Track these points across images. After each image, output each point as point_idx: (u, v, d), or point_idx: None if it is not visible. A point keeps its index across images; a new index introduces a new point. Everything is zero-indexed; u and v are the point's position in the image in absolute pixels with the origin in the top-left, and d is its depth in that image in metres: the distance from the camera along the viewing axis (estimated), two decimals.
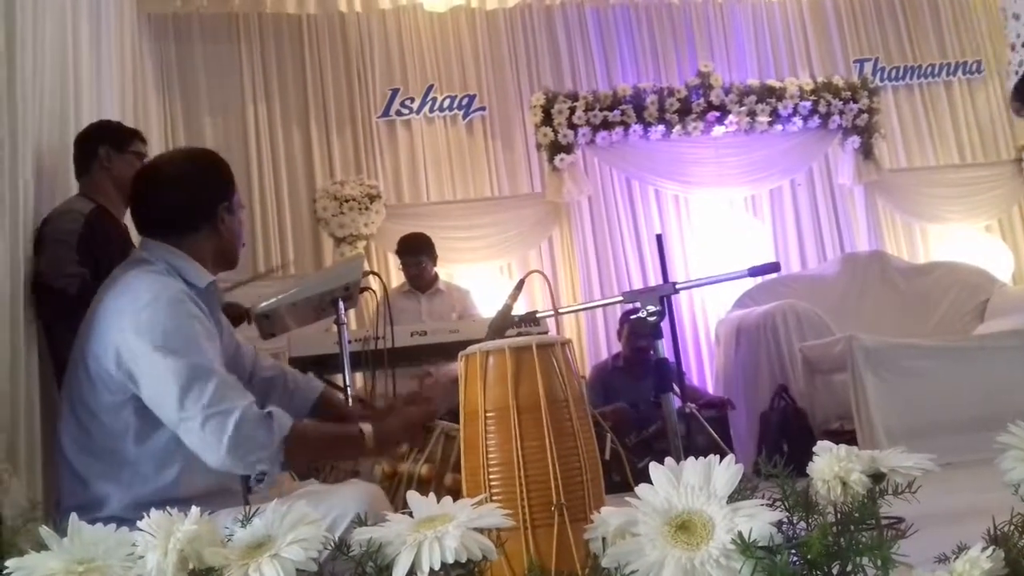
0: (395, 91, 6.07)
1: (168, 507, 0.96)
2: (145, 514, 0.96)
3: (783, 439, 4.50)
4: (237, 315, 2.92)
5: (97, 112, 3.13)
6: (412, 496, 0.98)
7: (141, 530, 0.92)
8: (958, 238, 6.58)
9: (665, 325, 2.58)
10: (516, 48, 6.29)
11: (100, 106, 3.24)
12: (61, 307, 2.32)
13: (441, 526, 0.88)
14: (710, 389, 5.71)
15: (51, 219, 2.52)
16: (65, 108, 2.80)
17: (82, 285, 2.38)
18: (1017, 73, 2.77)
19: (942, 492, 2.72)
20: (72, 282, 2.38)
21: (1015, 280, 6.41)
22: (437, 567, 0.85)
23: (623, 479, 2.41)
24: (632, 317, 5.14)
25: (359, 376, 3.73)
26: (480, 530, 0.92)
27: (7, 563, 0.85)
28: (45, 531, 0.88)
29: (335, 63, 6.03)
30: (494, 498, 1.51)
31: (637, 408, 4.79)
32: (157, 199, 1.89)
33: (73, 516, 0.90)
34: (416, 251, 4.85)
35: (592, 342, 5.94)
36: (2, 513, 1.70)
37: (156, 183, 1.92)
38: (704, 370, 6.05)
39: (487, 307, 4.98)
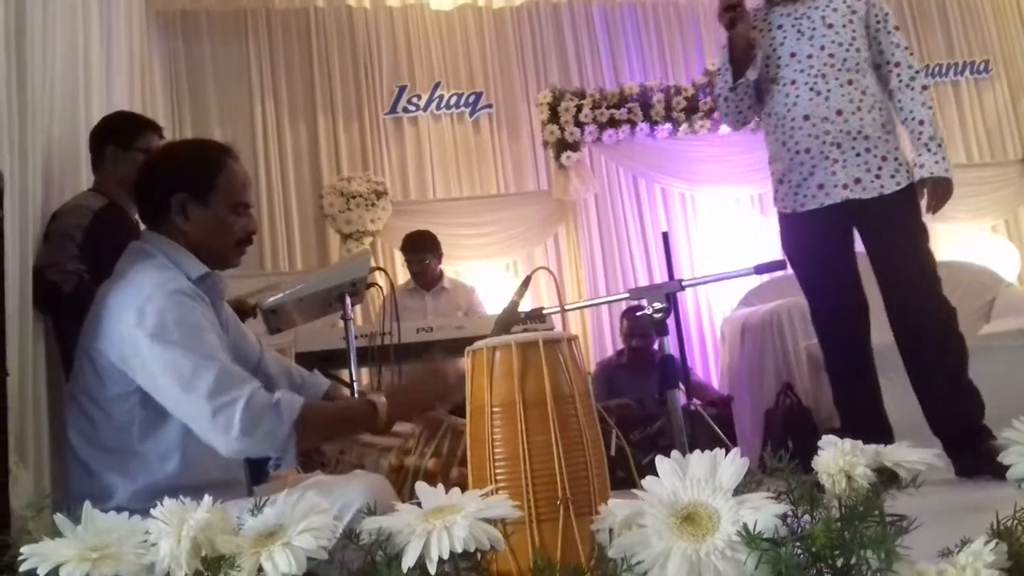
0: (402, 88, 6.09)
1: (174, 496, 0.97)
2: (151, 504, 0.97)
3: (788, 437, 4.49)
4: (243, 310, 2.93)
5: (107, 109, 3.13)
6: (421, 487, 0.99)
7: (152, 518, 0.93)
8: (964, 238, 6.57)
9: (670, 322, 2.58)
10: (523, 46, 6.30)
11: (109, 103, 3.25)
12: (55, 302, 2.33)
13: (450, 516, 0.89)
14: (715, 386, 5.71)
15: (60, 214, 2.53)
16: (75, 104, 2.81)
17: (79, 282, 2.38)
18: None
19: (946, 489, 2.73)
20: (68, 279, 2.38)
21: (1021, 280, 6.40)
22: (446, 556, 0.85)
23: (628, 475, 2.42)
24: (633, 315, 5.16)
25: (365, 372, 3.74)
26: (488, 522, 0.93)
27: (22, 549, 0.86)
28: (60, 518, 0.89)
29: (343, 60, 6.05)
30: (499, 492, 1.52)
31: (642, 405, 4.80)
32: (135, 191, 1.93)
33: (87, 504, 0.92)
34: (420, 249, 4.83)
35: (597, 339, 5.95)
36: (11, 504, 1.72)
37: (137, 176, 1.95)
38: (709, 368, 6.06)
39: (493, 304, 4.99)
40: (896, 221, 3.08)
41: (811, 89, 3.06)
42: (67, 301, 2.35)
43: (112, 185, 2.70)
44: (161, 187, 1.86)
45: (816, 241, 3.13)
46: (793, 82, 3.10)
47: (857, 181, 3.04)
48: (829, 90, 3.05)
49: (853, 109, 3.05)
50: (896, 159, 3.08)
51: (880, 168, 3.05)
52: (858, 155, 3.05)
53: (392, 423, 1.91)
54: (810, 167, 3.08)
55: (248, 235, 1.92)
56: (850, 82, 3.06)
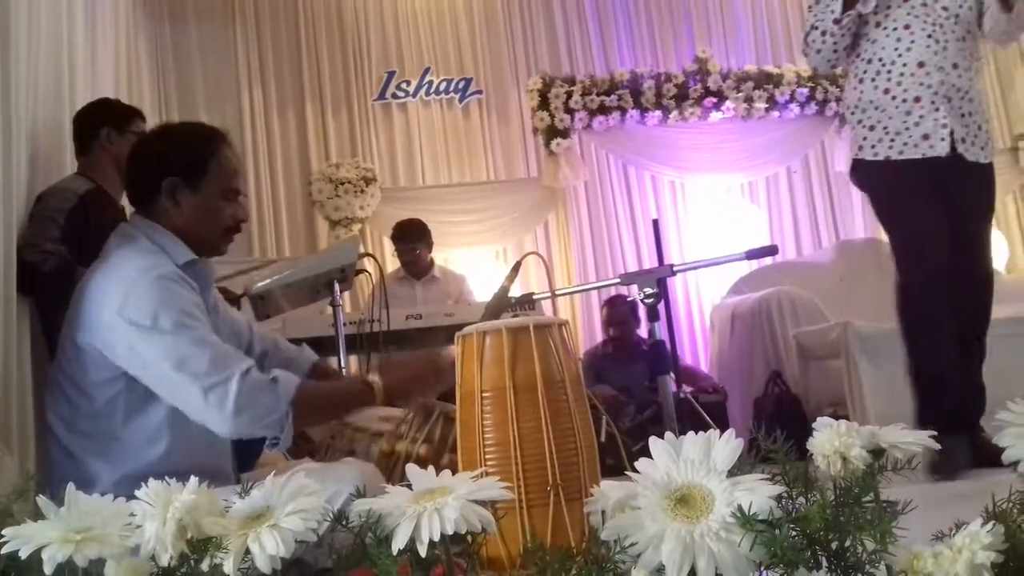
0: (391, 74, 6.05)
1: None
2: (135, 490, 0.96)
3: (777, 425, 4.49)
4: (228, 299, 2.91)
5: (92, 93, 3.10)
6: (411, 469, 0.97)
7: (137, 500, 0.92)
8: None
9: (660, 309, 2.58)
10: (513, 31, 6.27)
11: (95, 88, 3.22)
12: (33, 282, 2.30)
13: (441, 498, 0.88)
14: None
15: (44, 196, 2.51)
16: (60, 89, 2.78)
17: (59, 263, 2.35)
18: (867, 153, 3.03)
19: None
20: (48, 259, 2.36)
21: (1008, 269, 6.42)
22: (436, 538, 0.84)
23: (617, 462, 2.40)
24: (610, 304, 5.15)
25: (354, 359, 3.73)
26: (479, 504, 0.92)
27: (3, 531, 0.85)
28: (43, 500, 0.88)
29: (331, 45, 6.01)
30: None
31: (630, 392, 4.79)
32: (126, 171, 1.92)
33: (70, 486, 0.90)
34: (410, 239, 4.81)
35: (587, 325, 5.95)
36: None
37: (128, 155, 1.94)
38: (699, 355, 6.07)
39: (483, 292, 4.98)
40: (984, 199, 3.02)
41: (928, 36, 2.90)
42: (46, 281, 2.32)
43: (99, 169, 2.69)
44: (152, 169, 1.83)
45: (913, 190, 2.93)
46: (907, 27, 2.92)
47: (963, 140, 2.93)
48: (947, 41, 2.90)
49: (966, 66, 2.93)
50: (987, 132, 3.01)
51: (976, 136, 2.96)
52: (963, 116, 2.93)
53: (388, 402, 1.90)
54: (916, 117, 2.91)
55: (237, 223, 1.90)
56: (963, 39, 2.93)
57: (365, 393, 1.82)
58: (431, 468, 1.02)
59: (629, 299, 5.05)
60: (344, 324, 3.10)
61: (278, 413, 1.66)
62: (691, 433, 0.96)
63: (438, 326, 3.67)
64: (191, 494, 0.89)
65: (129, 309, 1.66)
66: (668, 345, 2.85)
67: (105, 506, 0.91)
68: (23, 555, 0.84)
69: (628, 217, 6.22)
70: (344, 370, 3.11)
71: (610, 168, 6.26)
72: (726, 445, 0.93)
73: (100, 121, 2.73)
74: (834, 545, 0.87)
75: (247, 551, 0.86)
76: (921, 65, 2.90)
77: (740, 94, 6.19)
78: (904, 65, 2.92)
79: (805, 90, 6.28)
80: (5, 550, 0.85)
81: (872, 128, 3.00)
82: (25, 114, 2.34)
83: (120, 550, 0.86)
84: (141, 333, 1.65)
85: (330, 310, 3.15)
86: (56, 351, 1.84)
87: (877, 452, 0.96)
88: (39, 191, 2.52)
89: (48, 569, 0.84)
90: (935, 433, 1.00)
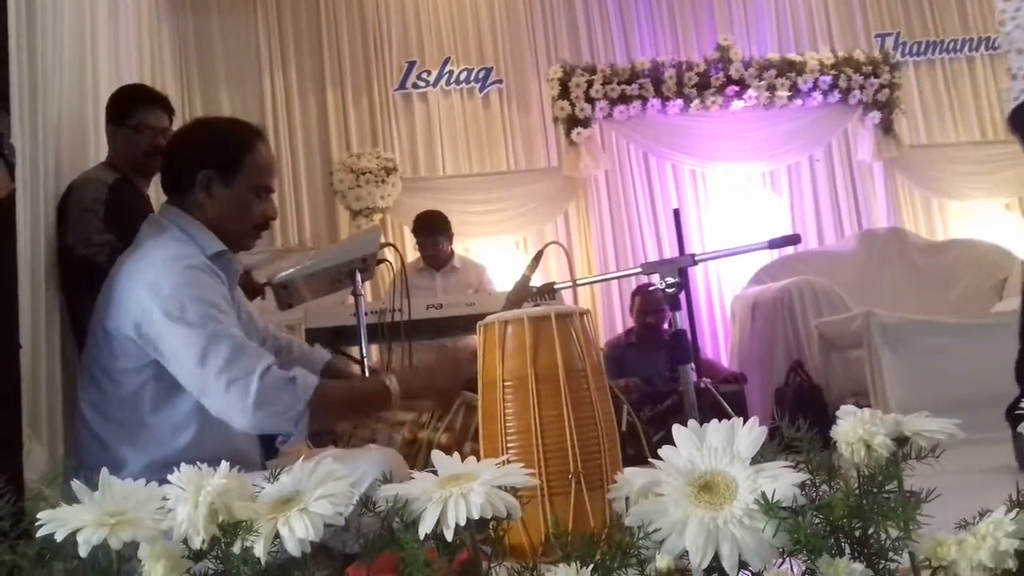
0: (412, 63, 6.06)
1: None
2: (162, 476, 0.98)
3: (798, 415, 4.48)
4: (252, 288, 2.93)
5: (115, 83, 3.13)
6: (436, 455, 0.99)
7: (168, 485, 0.94)
8: (977, 215, 6.52)
9: (681, 298, 2.57)
10: (534, 20, 6.25)
11: (118, 77, 3.25)
12: (89, 275, 2.33)
13: (467, 484, 0.89)
14: (725, 364, 5.71)
15: (74, 188, 2.53)
16: (83, 79, 2.80)
17: (111, 253, 2.39)
18: (1016, 100, 2.70)
19: (959, 467, 2.72)
20: (101, 251, 2.39)
21: None
22: (463, 523, 0.85)
23: (638, 452, 2.40)
24: (646, 292, 5.14)
25: (375, 348, 3.75)
26: (503, 491, 0.93)
27: (39, 514, 0.87)
28: (77, 485, 0.89)
29: (352, 35, 6.02)
30: None
31: (651, 383, 4.79)
32: (162, 161, 1.96)
33: (104, 471, 0.92)
34: (431, 231, 4.80)
35: (607, 316, 5.95)
36: (25, 477, 1.73)
37: (166, 146, 2.00)
38: (720, 346, 6.05)
39: (503, 282, 4.98)
40: None
41: None
42: (102, 272, 2.35)
43: (116, 161, 2.71)
44: (188, 161, 1.86)
45: None
46: None
47: None
48: None
49: None
50: None
51: None
52: None
53: (403, 406, 1.92)
54: None
55: (266, 220, 1.93)
56: None
57: (383, 396, 1.83)
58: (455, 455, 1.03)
59: (652, 288, 5.05)
60: (366, 314, 3.12)
61: (295, 411, 1.68)
62: (715, 421, 0.96)
63: (459, 316, 3.68)
64: (222, 479, 0.90)
65: (158, 298, 1.69)
66: (689, 335, 2.84)
67: (138, 490, 0.93)
68: (58, 538, 0.86)
69: (649, 206, 6.20)
70: (366, 359, 3.12)
71: (631, 157, 6.24)
72: (749, 433, 0.94)
73: (107, 116, 2.74)
74: (857, 532, 0.87)
75: (277, 535, 0.88)
76: None
77: (762, 82, 6.14)
78: None
79: (828, 78, 6.22)
80: (41, 533, 0.87)
81: None
82: (51, 107, 2.37)
83: (153, 533, 0.88)
84: (169, 322, 1.68)
85: (351, 300, 3.16)
86: (86, 339, 1.87)
87: (901, 440, 0.96)
88: (65, 182, 2.55)
89: (83, 552, 0.86)
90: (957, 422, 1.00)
